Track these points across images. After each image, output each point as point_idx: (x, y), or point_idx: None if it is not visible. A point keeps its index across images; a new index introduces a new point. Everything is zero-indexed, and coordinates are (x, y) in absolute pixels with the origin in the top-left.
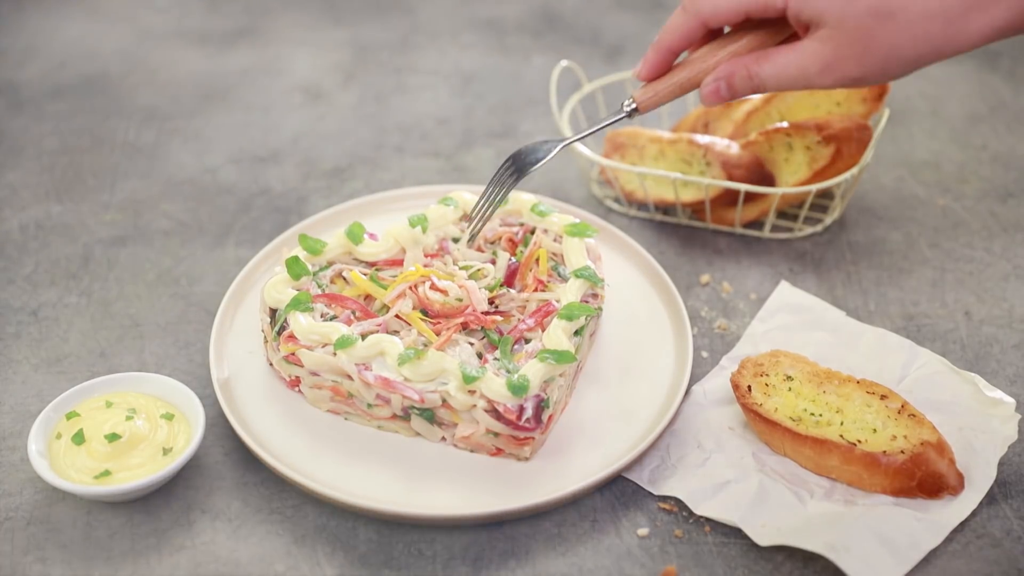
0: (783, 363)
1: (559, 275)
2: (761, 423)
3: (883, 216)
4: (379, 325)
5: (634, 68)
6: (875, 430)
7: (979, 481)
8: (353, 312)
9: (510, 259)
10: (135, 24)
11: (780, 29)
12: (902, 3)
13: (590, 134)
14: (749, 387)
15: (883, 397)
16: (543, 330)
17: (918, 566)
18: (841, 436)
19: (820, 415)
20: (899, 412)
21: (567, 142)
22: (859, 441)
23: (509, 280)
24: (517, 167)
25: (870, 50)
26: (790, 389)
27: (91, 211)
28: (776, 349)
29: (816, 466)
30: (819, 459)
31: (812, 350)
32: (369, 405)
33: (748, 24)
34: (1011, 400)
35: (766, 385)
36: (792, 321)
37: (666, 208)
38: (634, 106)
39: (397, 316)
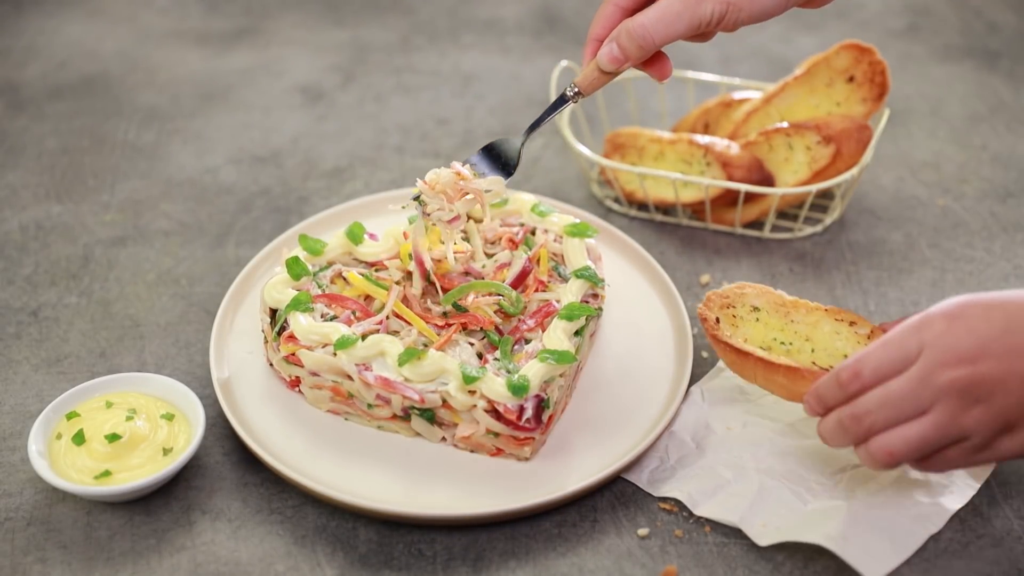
0: (749, 295)
1: (559, 275)
2: (732, 354)
3: (883, 216)
4: (379, 325)
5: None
6: (845, 355)
7: (979, 471)
8: (353, 312)
9: (524, 261)
10: (135, 24)
11: None
12: None
13: (546, 120)
14: (717, 319)
15: (852, 323)
16: (543, 330)
17: (918, 566)
18: (813, 363)
19: (790, 343)
20: (868, 337)
21: (529, 130)
22: (831, 367)
23: (517, 282)
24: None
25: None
26: (757, 320)
27: (91, 211)
28: (742, 282)
29: (789, 393)
30: (792, 386)
31: None
32: (369, 405)
33: None
34: None
35: (733, 317)
36: None
37: (666, 208)
38: (577, 89)
39: (397, 316)
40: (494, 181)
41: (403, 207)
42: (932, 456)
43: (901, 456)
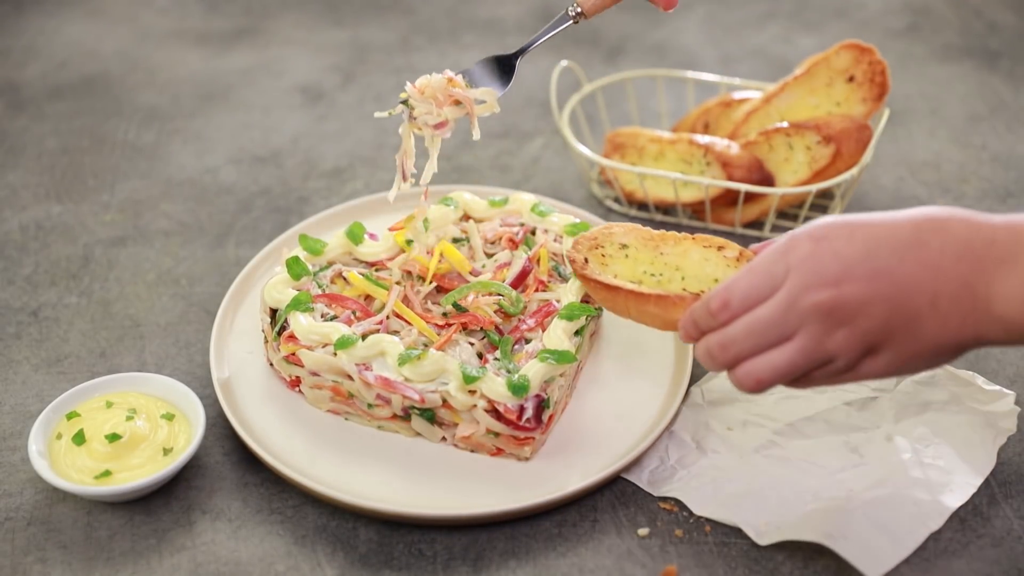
0: (616, 233)
1: (559, 275)
2: (603, 291)
3: None
4: (379, 324)
5: None
6: (716, 280)
7: (980, 467)
8: (353, 312)
9: (524, 261)
10: (135, 24)
11: None
12: None
13: (542, 39)
14: (586, 259)
15: (720, 248)
16: (543, 330)
17: (918, 565)
18: (684, 289)
19: (661, 274)
20: (737, 260)
21: (524, 48)
22: (702, 292)
23: (517, 282)
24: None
25: None
26: (627, 256)
27: (91, 211)
28: (609, 223)
29: (663, 323)
30: (665, 315)
31: None
32: (369, 405)
33: None
34: (1011, 392)
35: (603, 256)
36: None
37: (666, 208)
38: (579, 10)
39: (397, 315)
40: (486, 92)
41: (388, 113)
42: (799, 378)
43: (768, 383)
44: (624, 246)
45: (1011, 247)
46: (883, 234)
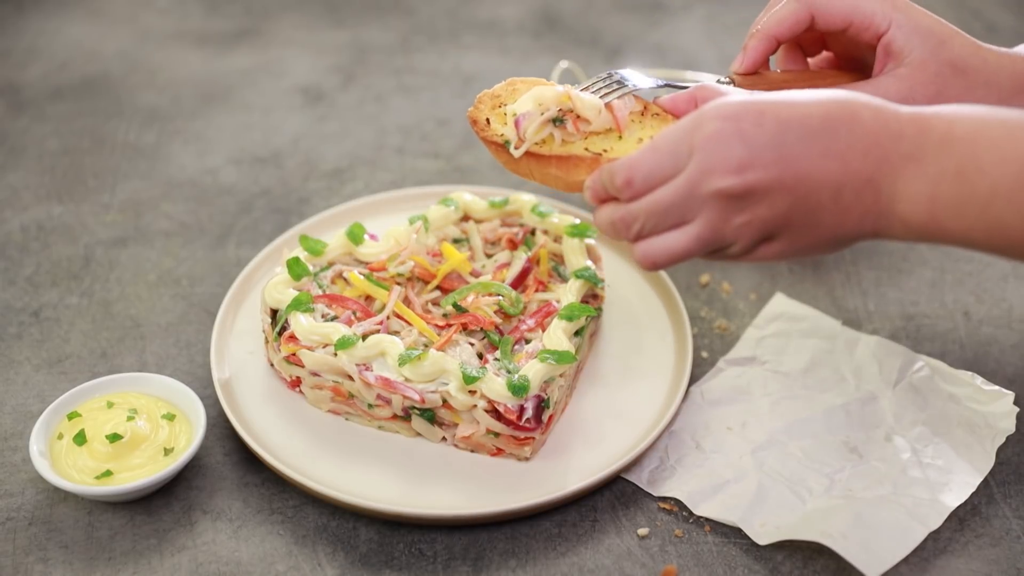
0: (520, 90)
1: (559, 276)
2: (504, 153)
3: None
4: (379, 325)
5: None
6: (620, 137)
7: (979, 466)
8: (354, 312)
9: (524, 261)
10: (136, 25)
11: (854, 76)
12: (974, 65)
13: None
14: (488, 120)
15: None
16: (543, 330)
17: (917, 565)
18: (586, 149)
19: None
20: (642, 115)
21: (660, 83)
22: (605, 151)
23: (517, 282)
24: (618, 80)
25: (939, 98)
26: None
27: (92, 212)
28: (512, 78)
29: (566, 184)
30: (567, 177)
31: (808, 355)
32: (370, 405)
33: (831, 63)
34: (1010, 393)
35: (505, 115)
36: (788, 328)
37: None
38: (729, 81)
39: (398, 316)
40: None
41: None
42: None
43: (663, 265)
44: None
45: (917, 142)
46: (793, 119)
